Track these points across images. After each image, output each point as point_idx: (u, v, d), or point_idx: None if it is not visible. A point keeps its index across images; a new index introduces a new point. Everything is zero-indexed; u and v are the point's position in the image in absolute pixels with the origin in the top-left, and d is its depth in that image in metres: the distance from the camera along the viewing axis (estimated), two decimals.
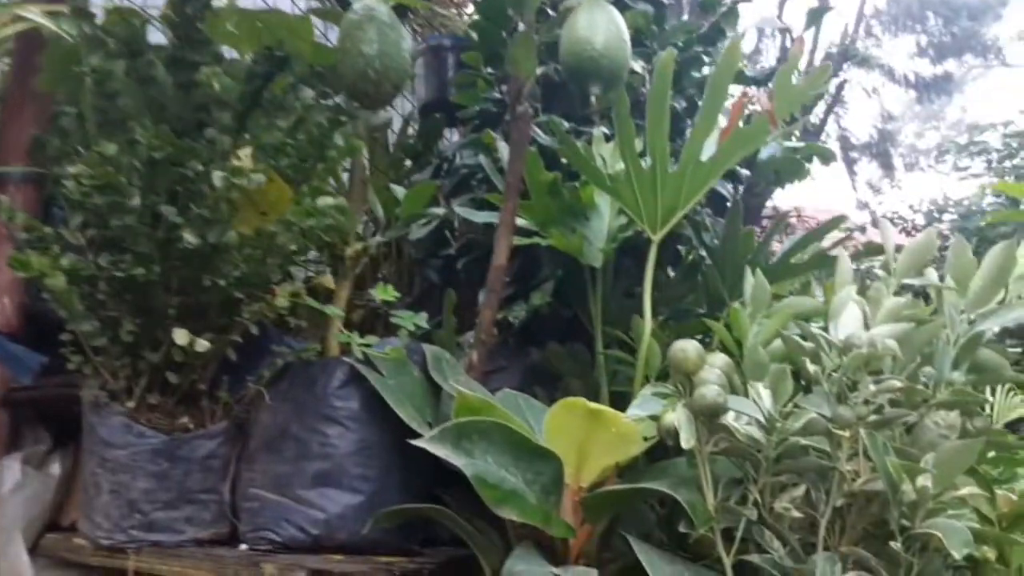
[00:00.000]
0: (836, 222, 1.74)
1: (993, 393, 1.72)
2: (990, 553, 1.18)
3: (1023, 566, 1.30)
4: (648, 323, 1.62)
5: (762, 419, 1.15)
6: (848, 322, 1.26)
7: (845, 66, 7.68)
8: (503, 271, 1.62)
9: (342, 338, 1.38)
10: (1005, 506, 1.21)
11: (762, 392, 1.23)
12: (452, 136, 2.61)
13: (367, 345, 1.34)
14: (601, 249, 1.76)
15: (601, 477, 1.34)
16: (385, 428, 1.33)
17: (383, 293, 1.40)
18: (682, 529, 1.13)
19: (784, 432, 1.15)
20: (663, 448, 1.52)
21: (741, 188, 2.10)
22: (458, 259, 2.06)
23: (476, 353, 1.60)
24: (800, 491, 1.18)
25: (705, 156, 1.57)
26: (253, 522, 1.32)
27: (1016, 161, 6.29)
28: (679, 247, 2.08)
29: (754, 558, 1.13)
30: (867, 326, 1.27)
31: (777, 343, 1.43)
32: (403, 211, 1.61)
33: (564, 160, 1.90)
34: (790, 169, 2.19)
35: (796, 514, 1.14)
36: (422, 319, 1.44)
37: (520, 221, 1.85)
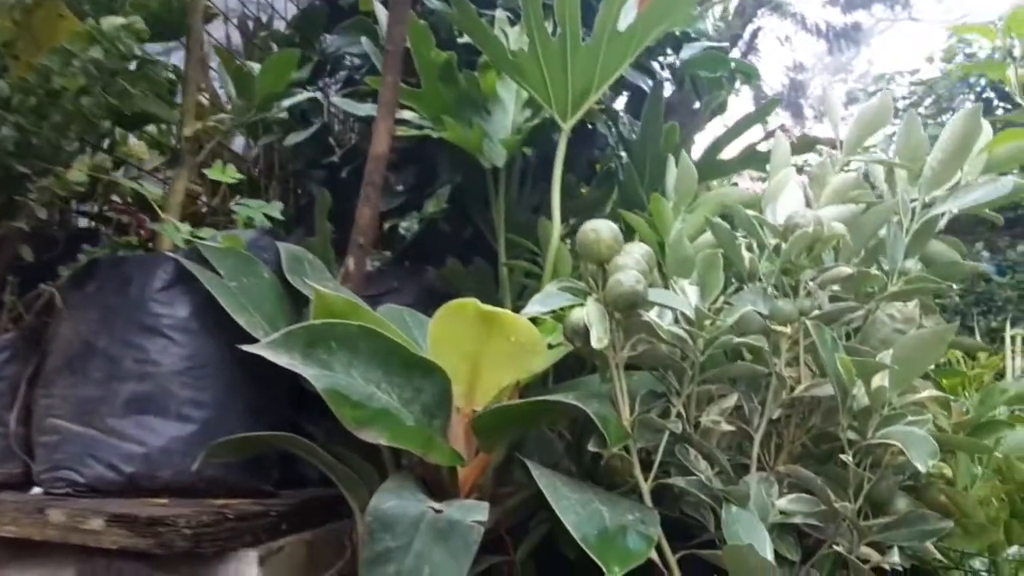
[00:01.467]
0: (769, 107, 1.53)
1: None
2: (946, 468, 1.02)
3: (969, 486, 1.16)
4: (557, 226, 1.39)
5: (689, 313, 0.94)
6: (788, 204, 1.07)
7: (759, 12, 7.63)
8: (383, 160, 1.35)
9: (169, 230, 1.08)
10: (957, 416, 1.05)
11: (688, 289, 1.02)
12: None
13: (199, 237, 1.05)
14: (503, 142, 1.51)
15: (499, 398, 1.11)
16: (225, 342, 1.05)
17: (218, 173, 1.10)
18: (591, 448, 0.92)
19: (714, 331, 0.95)
20: (572, 369, 1.32)
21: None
22: (342, 168, 1.80)
23: (353, 259, 1.33)
24: (731, 402, 0.99)
25: (623, 26, 1.33)
26: (50, 459, 1.03)
27: (921, 110, 6.37)
28: (592, 154, 1.86)
29: (678, 481, 0.93)
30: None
31: (703, 239, 1.23)
32: (260, 88, 1.30)
33: (460, 40, 1.64)
34: (711, 74, 1.99)
35: (726, 427, 0.95)
36: (275, 209, 1.15)
37: (411, 115, 1.59)
